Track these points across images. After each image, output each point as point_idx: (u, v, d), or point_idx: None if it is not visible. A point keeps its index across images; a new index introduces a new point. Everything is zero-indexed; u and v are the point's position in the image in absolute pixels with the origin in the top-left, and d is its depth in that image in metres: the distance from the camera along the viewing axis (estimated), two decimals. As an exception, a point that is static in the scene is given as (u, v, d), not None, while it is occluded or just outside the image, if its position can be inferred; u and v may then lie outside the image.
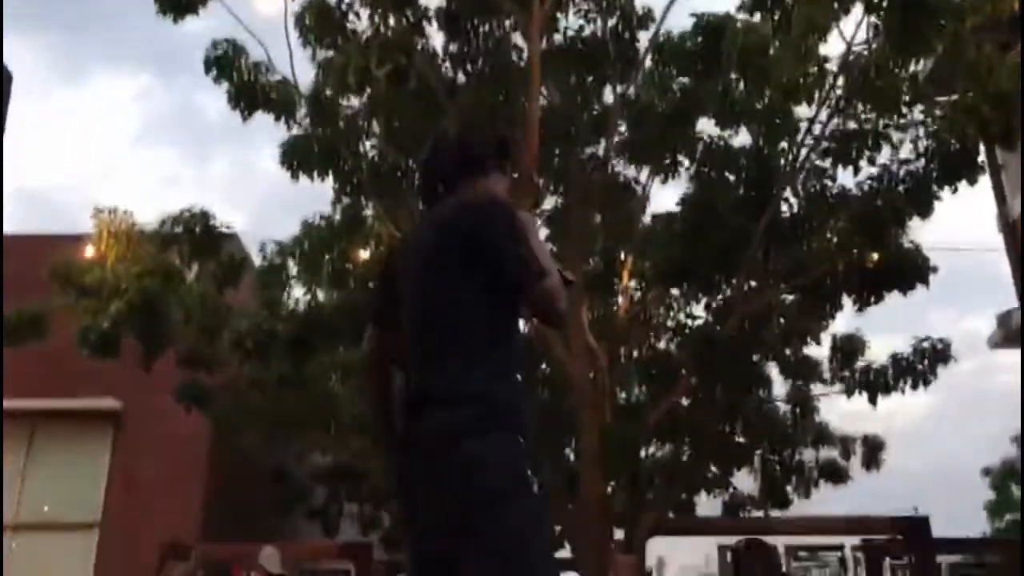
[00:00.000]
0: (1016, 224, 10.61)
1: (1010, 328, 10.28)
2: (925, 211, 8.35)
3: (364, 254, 9.33)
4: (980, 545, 12.78)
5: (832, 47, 8.21)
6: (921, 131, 7.85)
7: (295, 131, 9.80)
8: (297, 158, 9.72)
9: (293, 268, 10.44)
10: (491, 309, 2.30)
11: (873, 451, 12.33)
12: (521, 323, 2.42)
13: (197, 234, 9.38)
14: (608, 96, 10.08)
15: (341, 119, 9.39)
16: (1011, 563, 11.74)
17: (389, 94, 7.94)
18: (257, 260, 11.16)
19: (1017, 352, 10.86)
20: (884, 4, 7.18)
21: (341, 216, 10.16)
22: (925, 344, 9.15)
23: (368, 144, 9.75)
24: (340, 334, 8.65)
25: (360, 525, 14.28)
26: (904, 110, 8.25)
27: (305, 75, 13.71)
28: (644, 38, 9.90)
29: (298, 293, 10.19)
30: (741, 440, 11.58)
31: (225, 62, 9.39)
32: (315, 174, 9.80)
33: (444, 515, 2.12)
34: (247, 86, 9.52)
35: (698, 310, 10.44)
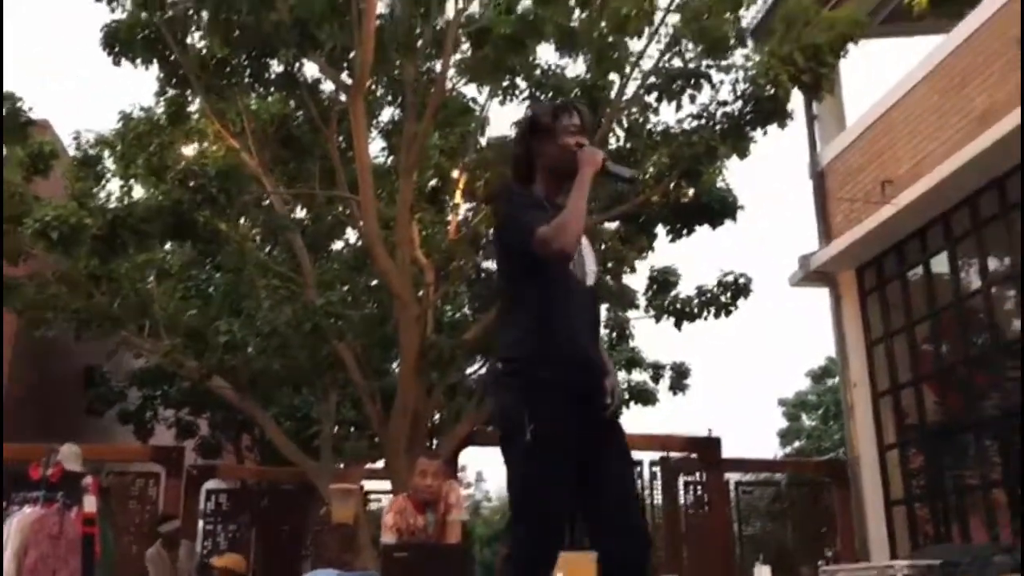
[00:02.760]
0: (822, 172, 11.38)
1: (809, 268, 11.06)
2: (740, 151, 8.81)
3: (187, 150, 9.00)
4: (765, 466, 13.92)
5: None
6: (740, 75, 8.24)
7: (118, 14, 9.30)
8: (119, 43, 9.22)
9: (110, 161, 9.97)
10: (512, 281, 2.80)
11: (680, 376, 13.12)
12: (549, 288, 2.68)
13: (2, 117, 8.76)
14: (450, 12, 10.00)
15: (167, 6, 8.91)
16: (794, 482, 12.95)
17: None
18: (71, 151, 10.57)
19: (814, 292, 11.75)
20: (715, -53, 7.44)
21: (165, 109, 9.74)
22: (728, 278, 9.76)
23: (196, 36, 9.31)
24: (152, 234, 8.35)
25: (177, 431, 14.02)
26: (727, 53, 8.62)
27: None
28: (489, -44, 9.86)
29: (114, 187, 9.75)
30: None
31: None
32: (138, 62, 9.36)
33: None
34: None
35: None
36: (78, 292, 9.71)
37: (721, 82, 8.53)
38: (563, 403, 2.58)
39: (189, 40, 9.46)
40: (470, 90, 10.78)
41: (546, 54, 10.13)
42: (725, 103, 8.30)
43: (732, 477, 12.07)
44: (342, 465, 11.08)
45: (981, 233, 8.94)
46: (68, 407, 12.86)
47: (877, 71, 11.61)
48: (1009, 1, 8.29)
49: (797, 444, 24.88)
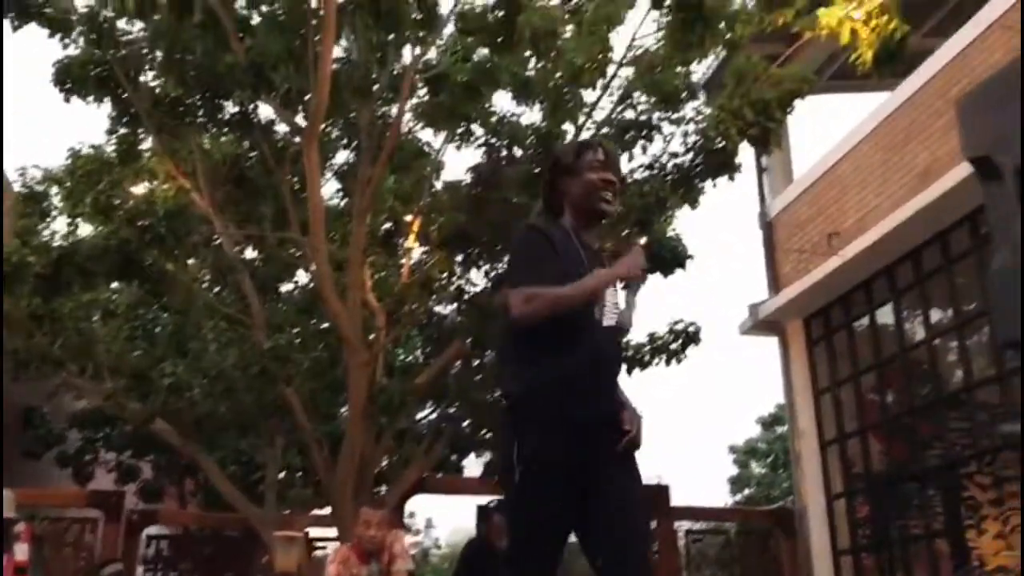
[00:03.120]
0: (771, 223, 11.57)
1: (758, 317, 11.19)
2: (691, 201, 8.94)
3: (136, 189, 8.88)
4: (715, 514, 13.92)
5: (619, 39, 8.65)
6: (691, 127, 8.39)
7: (71, 51, 9.22)
8: (71, 80, 9.13)
9: (57, 198, 9.80)
10: None
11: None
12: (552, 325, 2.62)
13: None
14: (407, 58, 10.07)
15: (121, 44, 8.85)
16: (744, 530, 12.95)
17: (173, 24, 7.57)
18: (17, 186, 10.37)
19: (763, 340, 11.88)
20: (667, 2, 7.60)
21: (116, 147, 9.63)
22: (679, 326, 9.84)
23: (150, 75, 9.25)
24: (98, 273, 8.19)
25: (118, 475, 13.65)
26: (679, 106, 8.78)
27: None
28: (446, 5, 9.98)
29: (60, 225, 9.57)
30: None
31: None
32: (90, 99, 9.26)
33: None
34: (19, -6, 8.83)
35: (477, 277, 10.70)
36: (18, 332, 9.46)
37: (672, 134, 8.70)
38: (560, 438, 2.55)
39: (142, 78, 9.40)
40: (426, 134, 10.84)
41: (502, 102, 10.27)
42: (676, 154, 8.45)
43: (682, 525, 12.06)
44: (287, 512, 10.87)
45: (924, 286, 9.13)
46: (4, 450, 12.46)
47: (824, 125, 11.91)
48: (949, 62, 8.58)
49: (747, 492, 24.98)
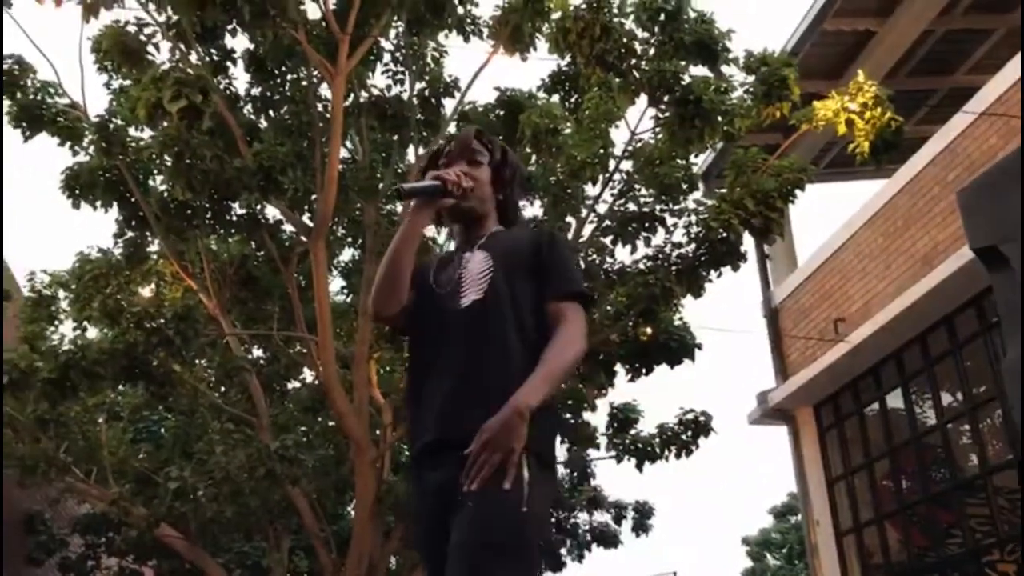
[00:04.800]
0: (776, 310, 11.60)
1: (767, 406, 11.11)
2: (695, 291, 8.96)
3: (144, 291, 8.95)
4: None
5: (619, 133, 8.82)
6: (693, 218, 8.47)
7: (81, 158, 9.42)
8: (80, 186, 9.30)
9: (65, 302, 9.87)
10: None
11: (643, 517, 12.93)
12: (414, 350, 2.31)
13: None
14: (411, 156, 10.27)
15: (131, 150, 9.05)
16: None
17: (182, 131, 7.75)
18: (25, 291, 10.46)
19: (773, 428, 11.77)
20: (665, 99, 7.78)
21: (123, 250, 9.74)
22: (689, 416, 9.76)
23: (158, 180, 9.42)
24: (105, 376, 8.20)
25: (120, 581, 13.35)
26: (680, 197, 8.90)
27: (98, 101, 13.11)
28: (449, 105, 10.24)
29: (68, 329, 9.61)
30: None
31: (9, 78, 8.94)
32: (98, 204, 9.41)
33: None
34: (32, 105, 9.08)
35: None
36: (24, 437, 9.41)
37: (675, 225, 8.77)
38: (423, 482, 2.14)
39: (151, 183, 9.57)
40: (429, 230, 10.96)
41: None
42: (680, 245, 8.50)
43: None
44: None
45: (934, 370, 9.09)
46: (7, 556, 12.23)
47: (826, 211, 12.05)
48: (944, 149, 8.73)
49: (763, 584, 24.40)
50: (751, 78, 7.90)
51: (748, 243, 9.19)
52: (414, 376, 2.28)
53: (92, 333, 9.67)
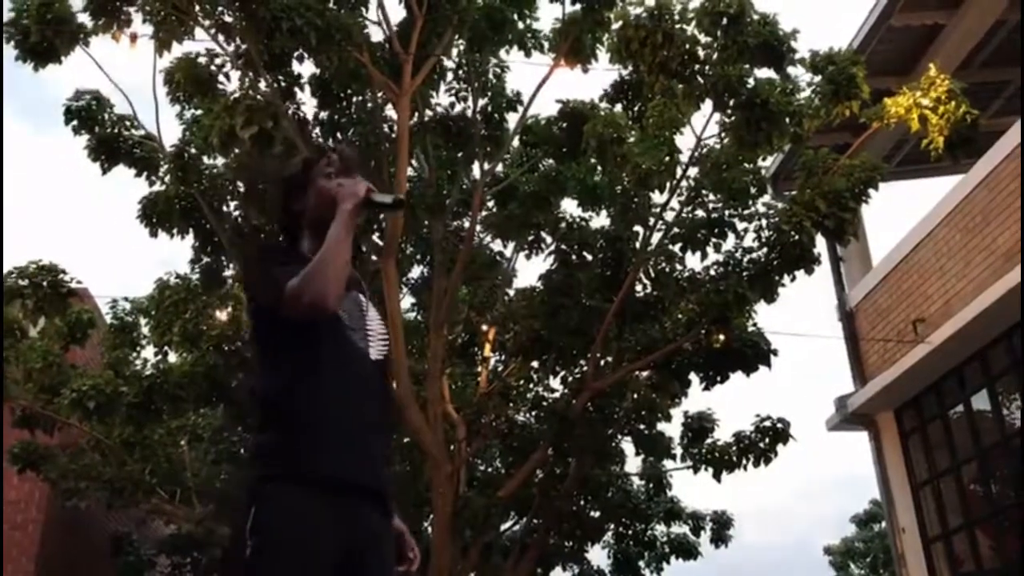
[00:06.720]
0: (852, 313, 11.35)
1: (847, 412, 10.87)
2: (768, 297, 8.83)
3: (221, 315, 9.16)
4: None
5: (684, 140, 8.76)
6: (764, 222, 8.36)
7: (156, 187, 9.69)
8: (157, 214, 9.57)
9: (146, 328, 10.15)
10: (268, 361, 2.32)
11: (721, 527, 12.72)
12: (318, 369, 2.22)
13: (44, 289, 8.99)
14: (476, 172, 10.36)
15: (204, 178, 9.29)
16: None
17: (254, 156, 7.94)
18: (108, 318, 10.79)
19: (852, 435, 11.50)
20: (731, 103, 7.70)
21: (200, 276, 9.98)
22: (766, 423, 9.58)
23: (232, 205, 9.65)
24: (187, 399, 8.41)
25: (206, 600, 13.64)
26: (749, 201, 8.79)
27: (172, 131, 13.50)
28: (512, 120, 10.30)
29: (149, 354, 9.88)
30: (595, 514, 11.78)
31: (87, 113, 9.26)
32: (175, 232, 9.68)
33: None
34: (109, 139, 9.38)
35: (555, 384, 10.66)
36: (111, 460, 9.68)
37: (745, 230, 8.66)
38: (329, 522, 2.06)
39: (224, 208, 9.81)
40: (497, 244, 11.03)
41: (570, 207, 10.48)
42: (751, 250, 8.40)
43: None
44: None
45: (1022, 369, 8.79)
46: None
47: (901, 209, 11.77)
48: (1021, 143, 8.46)
49: (848, 595, 23.78)
50: (818, 78, 7.77)
51: (820, 245, 9.04)
52: (328, 393, 2.17)
53: (173, 358, 9.94)
